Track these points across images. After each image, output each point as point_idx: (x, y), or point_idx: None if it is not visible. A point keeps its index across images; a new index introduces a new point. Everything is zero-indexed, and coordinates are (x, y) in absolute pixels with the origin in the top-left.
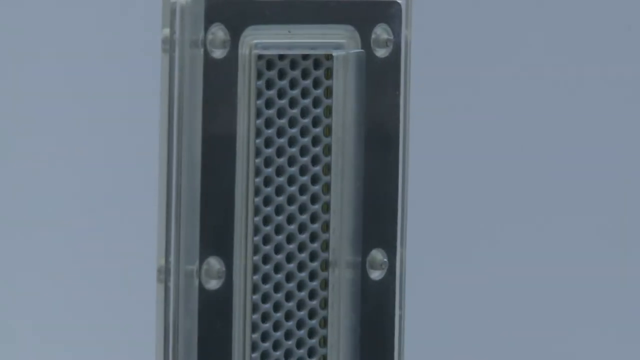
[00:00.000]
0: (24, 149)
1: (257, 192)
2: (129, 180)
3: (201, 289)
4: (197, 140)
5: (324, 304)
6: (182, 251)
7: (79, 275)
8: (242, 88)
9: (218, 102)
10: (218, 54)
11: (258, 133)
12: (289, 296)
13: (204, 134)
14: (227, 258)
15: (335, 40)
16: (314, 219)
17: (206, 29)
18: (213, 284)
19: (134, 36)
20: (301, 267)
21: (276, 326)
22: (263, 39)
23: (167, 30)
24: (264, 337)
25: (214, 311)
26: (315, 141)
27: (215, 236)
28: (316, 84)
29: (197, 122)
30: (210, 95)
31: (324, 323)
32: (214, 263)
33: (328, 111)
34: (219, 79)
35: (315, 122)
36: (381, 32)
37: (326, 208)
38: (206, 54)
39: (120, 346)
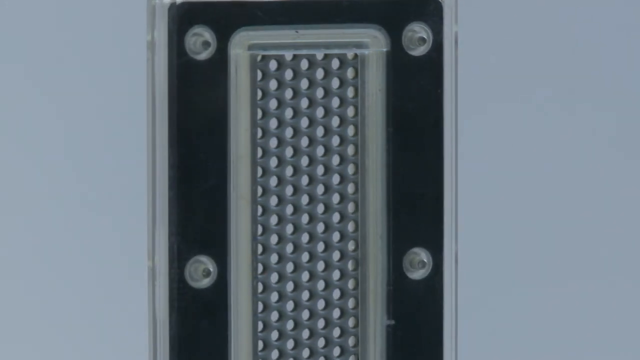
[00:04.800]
0: (19, 149)
1: (264, 191)
2: (132, 182)
3: (188, 287)
4: (180, 141)
5: (355, 303)
6: (171, 250)
7: (80, 275)
8: (235, 89)
9: (203, 103)
10: (202, 56)
11: (263, 133)
12: (312, 295)
13: (187, 135)
14: (219, 257)
15: (353, 39)
16: (341, 218)
17: (187, 31)
18: (203, 283)
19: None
20: (327, 266)
21: (296, 325)
22: (261, 39)
23: (150, 33)
24: (280, 335)
25: (203, 310)
26: (340, 140)
27: (204, 235)
28: (340, 83)
29: (181, 124)
30: (195, 96)
31: (356, 323)
32: (203, 262)
33: (354, 110)
34: (203, 81)
35: (338, 121)
36: (418, 30)
37: (355, 207)
38: (187, 56)
39: (121, 345)
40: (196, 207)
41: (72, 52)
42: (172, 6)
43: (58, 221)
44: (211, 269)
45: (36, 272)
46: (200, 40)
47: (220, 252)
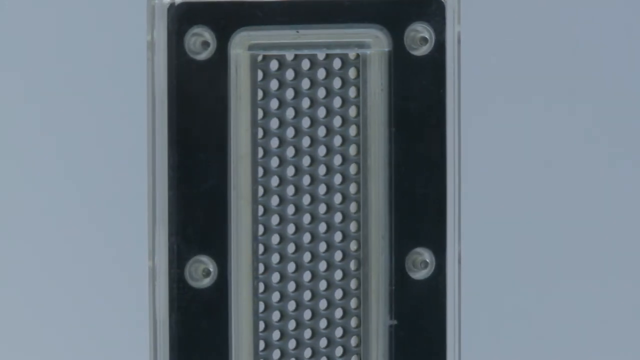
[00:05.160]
0: (20, 149)
1: (265, 191)
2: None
3: (188, 287)
4: (180, 141)
5: (358, 303)
6: (170, 250)
7: (83, 275)
8: (235, 88)
9: (203, 103)
10: (202, 56)
11: (265, 133)
12: (313, 295)
13: (187, 135)
14: (220, 257)
15: (355, 39)
16: (343, 218)
17: (186, 32)
18: (203, 283)
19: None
20: (329, 266)
21: (298, 325)
22: (262, 39)
23: (150, 33)
24: (282, 335)
25: (203, 309)
26: (342, 140)
27: (204, 235)
28: (342, 83)
29: (181, 124)
30: (194, 96)
31: (358, 323)
32: (203, 262)
33: (355, 110)
34: (203, 81)
35: (340, 121)
36: (420, 30)
37: (357, 207)
38: (187, 55)
39: (124, 345)
40: (196, 207)
41: (72, 53)
42: (171, 6)
43: (59, 221)
44: (211, 269)
45: (37, 272)
46: (199, 40)
47: (220, 252)
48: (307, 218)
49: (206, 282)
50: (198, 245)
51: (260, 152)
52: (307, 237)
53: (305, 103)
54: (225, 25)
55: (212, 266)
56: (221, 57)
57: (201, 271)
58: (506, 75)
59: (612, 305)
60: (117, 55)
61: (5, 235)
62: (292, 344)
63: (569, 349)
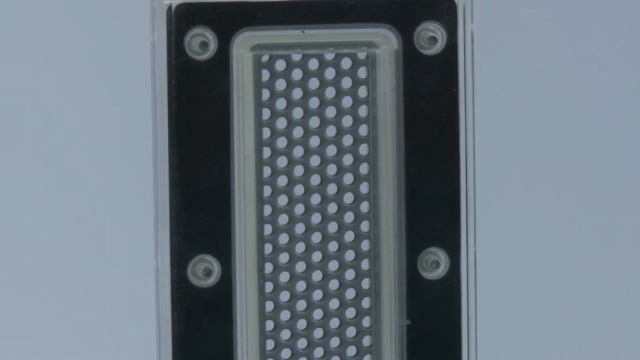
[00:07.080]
0: (22, 151)
1: (272, 191)
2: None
3: (190, 286)
4: (181, 141)
5: (370, 303)
6: (172, 250)
7: (91, 274)
8: (238, 89)
9: (204, 103)
10: (202, 56)
11: (272, 133)
12: (324, 294)
13: (188, 135)
14: (223, 256)
15: (363, 39)
16: (354, 217)
17: (186, 32)
18: (206, 282)
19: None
20: (340, 265)
21: (308, 324)
22: (265, 40)
23: (151, 34)
24: (292, 334)
25: (206, 308)
26: (353, 139)
27: (206, 235)
28: (351, 82)
29: (181, 125)
30: (195, 96)
31: (371, 322)
32: (206, 261)
33: (365, 109)
34: (204, 81)
35: (350, 121)
36: (432, 29)
37: (369, 207)
38: (187, 56)
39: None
40: (197, 207)
41: (72, 54)
42: (170, 7)
43: (60, 221)
44: (213, 268)
45: (39, 272)
46: (199, 41)
47: (224, 252)
48: (316, 218)
49: (210, 281)
50: (200, 245)
51: (267, 152)
52: (316, 237)
53: (313, 103)
54: (226, 26)
55: (215, 265)
56: (222, 58)
57: (202, 270)
58: (521, 74)
59: (635, 306)
60: (118, 55)
61: (7, 236)
62: (302, 343)
63: (586, 350)
